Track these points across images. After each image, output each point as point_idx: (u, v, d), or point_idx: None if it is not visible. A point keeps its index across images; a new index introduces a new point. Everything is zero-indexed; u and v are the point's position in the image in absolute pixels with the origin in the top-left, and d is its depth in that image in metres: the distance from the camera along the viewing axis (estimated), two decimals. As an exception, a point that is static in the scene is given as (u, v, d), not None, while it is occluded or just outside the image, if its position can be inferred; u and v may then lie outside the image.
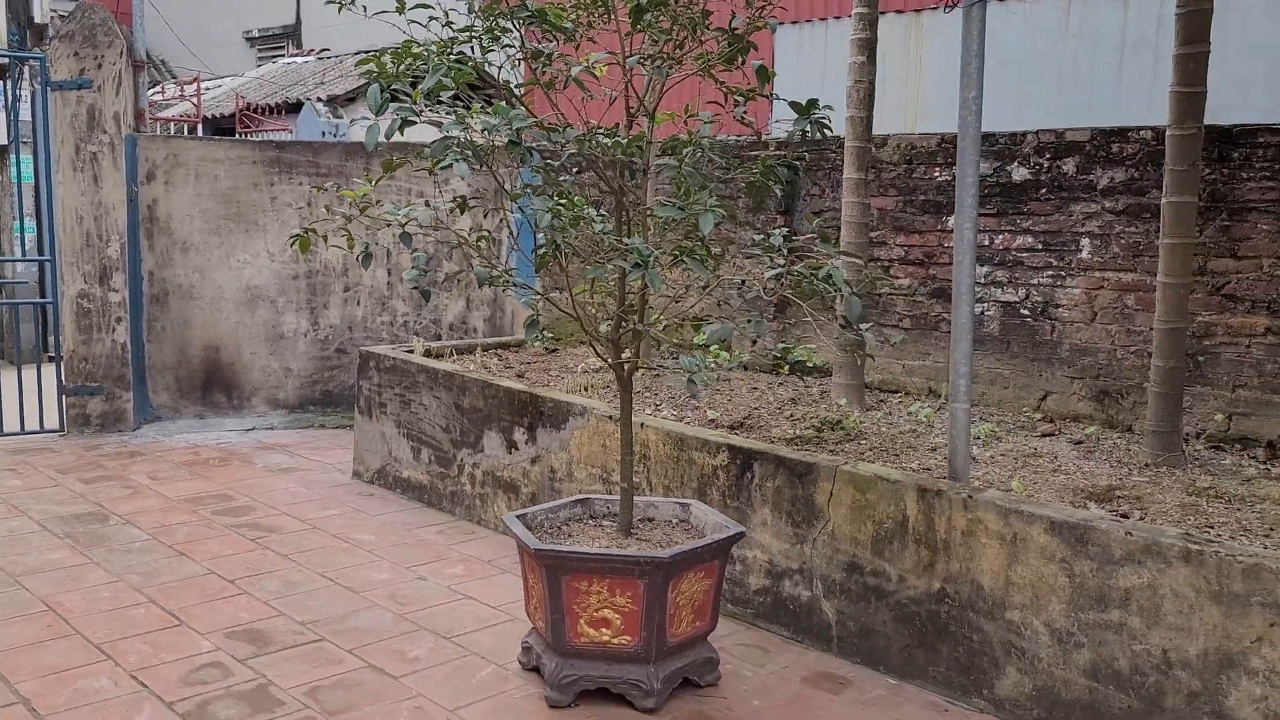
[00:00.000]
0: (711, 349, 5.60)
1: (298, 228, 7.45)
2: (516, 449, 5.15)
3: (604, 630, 3.40)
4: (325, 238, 3.57)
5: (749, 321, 3.38)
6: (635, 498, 3.84)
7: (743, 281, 3.59)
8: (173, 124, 17.20)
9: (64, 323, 7.04)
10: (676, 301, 3.78)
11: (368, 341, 7.74)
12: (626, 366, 3.57)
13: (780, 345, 4.13)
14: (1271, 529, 3.33)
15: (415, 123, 2.88)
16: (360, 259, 3.37)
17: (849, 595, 3.82)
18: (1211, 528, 3.35)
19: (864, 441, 4.35)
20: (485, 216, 3.58)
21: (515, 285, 3.28)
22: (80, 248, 6.99)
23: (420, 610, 4.24)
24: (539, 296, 3.20)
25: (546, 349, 6.42)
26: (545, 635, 3.51)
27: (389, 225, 3.41)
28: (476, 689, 3.57)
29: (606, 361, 3.53)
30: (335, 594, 4.39)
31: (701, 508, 3.84)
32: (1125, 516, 3.52)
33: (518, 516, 3.70)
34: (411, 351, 6.09)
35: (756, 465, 4.10)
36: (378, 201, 3.49)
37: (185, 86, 18.55)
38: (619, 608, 3.37)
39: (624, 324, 3.51)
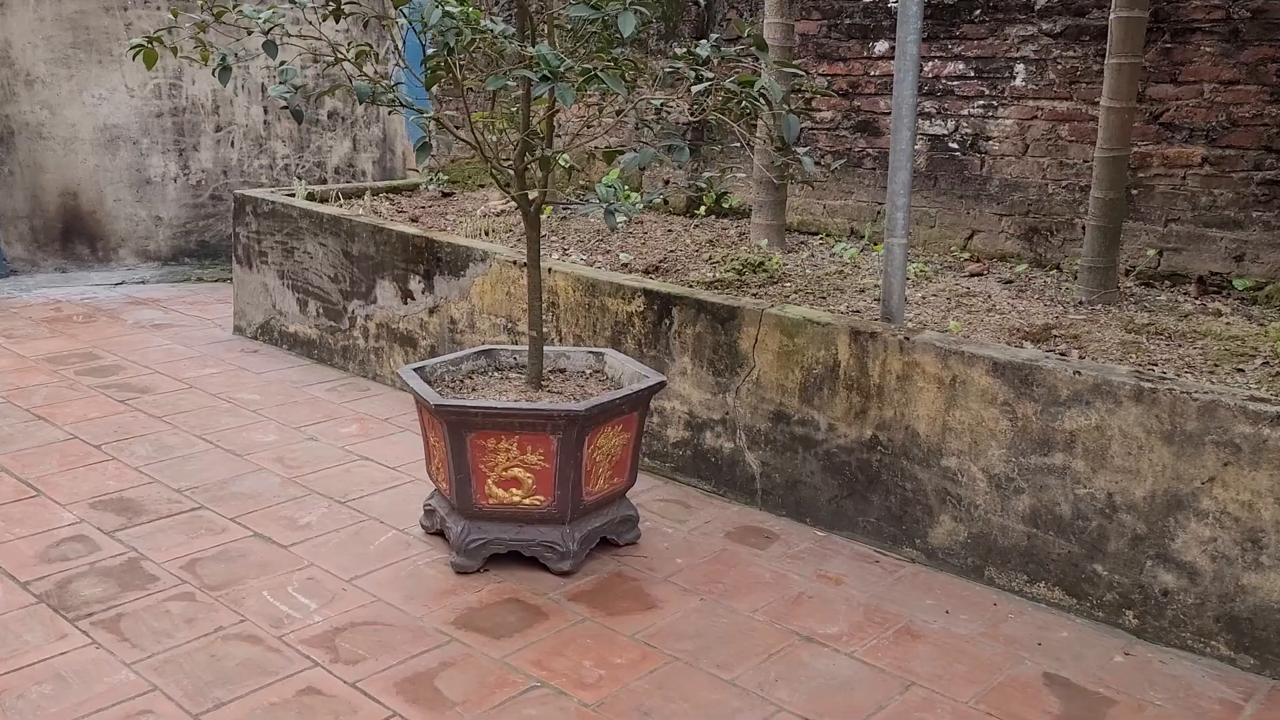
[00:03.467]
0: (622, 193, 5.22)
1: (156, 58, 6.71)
2: (412, 299, 4.74)
3: (514, 490, 3.11)
4: (175, 50, 3.04)
5: (669, 149, 3.00)
6: (545, 348, 3.51)
7: (661, 104, 3.19)
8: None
9: (-107, 166, 6.26)
10: (589, 127, 3.37)
11: (245, 187, 7.11)
12: (533, 201, 3.18)
13: (706, 177, 3.78)
14: (1216, 365, 3.17)
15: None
16: (217, 73, 2.87)
17: (775, 446, 3.60)
18: (1155, 365, 3.17)
19: (788, 284, 4.06)
20: (365, 27, 3.09)
21: (402, 104, 2.83)
22: (-96, 80, 6.16)
23: (311, 473, 3.89)
24: (429, 117, 2.76)
25: (442, 192, 5.95)
26: (450, 497, 3.20)
27: (250, 35, 2.91)
28: (375, 556, 3.27)
29: (510, 194, 3.13)
30: (215, 458, 4.01)
31: (617, 356, 3.53)
32: (1064, 355, 3.33)
33: (415, 370, 3.34)
34: (293, 195, 5.56)
35: (675, 311, 3.79)
36: (236, 6, 2.97)
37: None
38: (530, 466, 3.08)
39: (529, 151, 3.10)
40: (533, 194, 3.14)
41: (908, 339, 3.25)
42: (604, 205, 2.74)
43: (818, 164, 3.04)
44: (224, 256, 7.03)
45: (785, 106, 2.73)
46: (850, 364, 3.38)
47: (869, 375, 3.34)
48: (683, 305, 3.77)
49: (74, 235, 6.87)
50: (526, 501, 3.12)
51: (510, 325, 4.33)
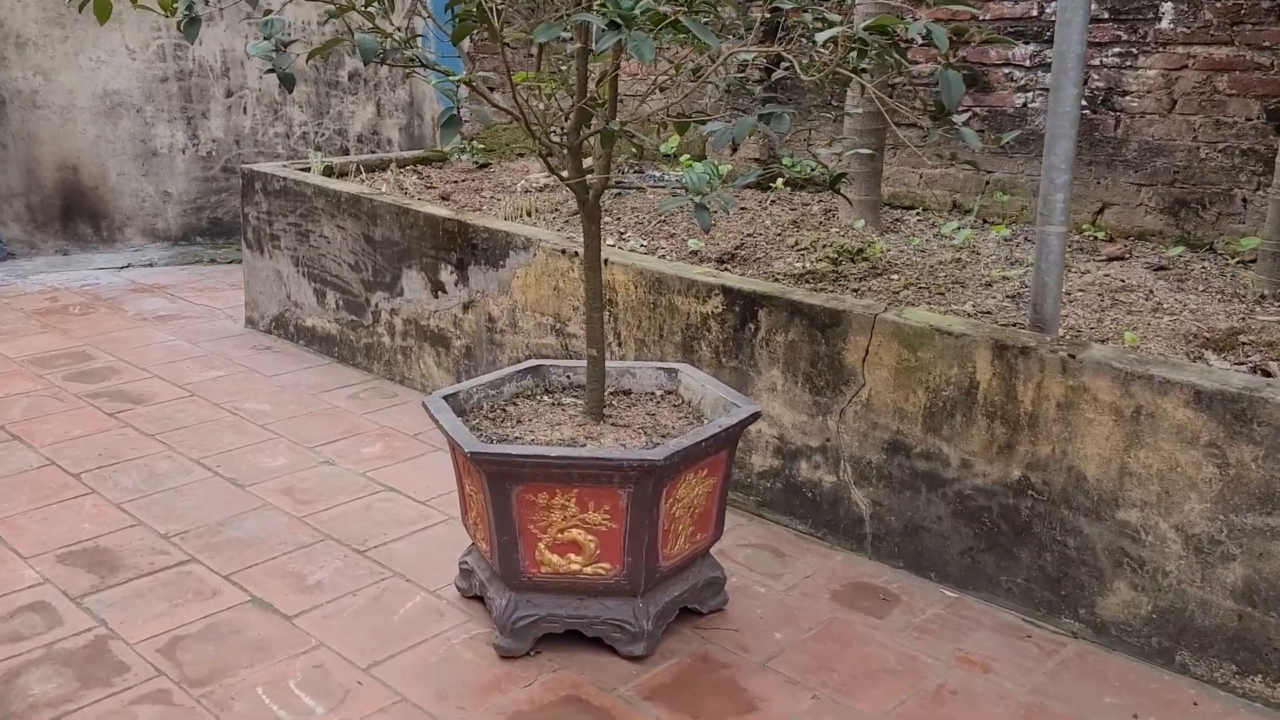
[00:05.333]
0: (684, 161, 4.51)
1: (159, 15, 6.05)
2: (444, 292, 4.07)
3: (573, 556, 2.44)
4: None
5: (767, 117, 2.30)
6: (606, 363, 2.83)
7: (754, 58, 2.48)
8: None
9: None
10: (661, 90, 2.68)
11: (260, 158, 6.47)
12: (592, 186, 2.48)
13: (830, 152, 3.08)
14: None
15: None
16: (182, 26, 2.19)
17: (890, 483, 2.91)
18: (1397, 390, 2.44)
19: (895, 276, 3.35)
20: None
21: (423, 64, 2.14)
22: (-122, 44, 5.55)
23: (325, 510, 3.25)
24: (457, 80, 2.07)
25: (477, 164, 5.26)
26: (491, 562, 2.55)
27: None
28: (399, 632, 2.62)
29: (563, 180, 2.44)
30: (213, 489, 3.38)
31: (694, 374, 2.84)
32: (1266, 374, 2.61)
33: (445, 397, 2.68)
34: (308, 169, 4.89)
35: (762, 313, 3.09)
36: (208, -61, 2.28)
37: None
38: (593, 526, 2.41)
39: (587, 122, 2.40)
40: (591, 177, 2.44)
41: (1072, 357, 2.54)
42: (691, 195, 2.04)
43: (995, 140, 2.31)
44: (238, 235, 6.39)
45: (946, 60, 2.02)
46: (993, 386, 2.67)
47: (1018, 401, 2.63)
48: (771, 307, 3.07)
49: (75, 213, 6.26)
50: (588, 570, 2.45)
51: (559, 326, 3.66)
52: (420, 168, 5.19)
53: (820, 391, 3.01)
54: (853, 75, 2.04)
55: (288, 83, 2.20)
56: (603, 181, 2.42)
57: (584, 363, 2.82)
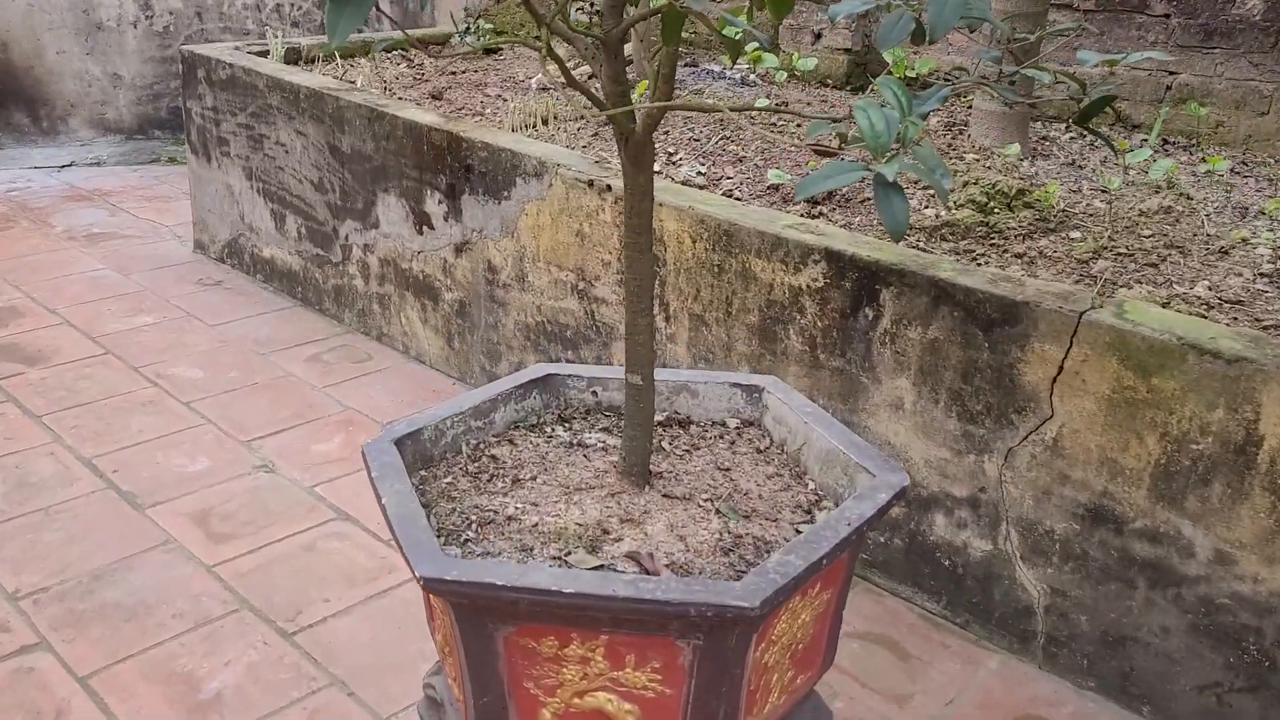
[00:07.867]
0: (752, 51, 3.39)
1: None
2: (430, 227, 3.04)
3: (598, 734, 1.48)
4: None
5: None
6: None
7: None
8: None
9: None
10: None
11: (227, 35, 5.37)
12: (639, 115, 1.42)
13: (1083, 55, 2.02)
14: None
15: None
16: None
17: (1083, 566, 1.91)
18: None
19: (1075, 234, 2.29)
20: None
21: None
22: None
23: (249, 554, 2.30)
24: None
25: (485, 49, 4.15)
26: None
27: None
28: (327, 806, 1.69)
29: (592, 98, 1.39)
30: (100, 512, 2.43)
31: (788, 397, 1.82)
32: None
33: (401, 439, 1.68)
34: (265, 53, 3.81)
35: (887, 295, 2.05)
36: None
37: None
38: (632, 690, 1.44)
39: (633, -6, 1.34)
40: (640, 99, 1.39)
41: None
42: (870, 160, 1.00)
43: None
44: (203, 129, 5.34)
45: None
46: (1286, 446, 1.65)
47: (1333, 476, 1.61)
48: (903, 286, 2.03)
49: (8, 100, 5.20)
50: (623, 753, 1.49)
51: (582, 286, 2.63)
52: (412, 53, 4.09)
53: (975, 419, 1.99)
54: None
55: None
56: (659, 107, 1.36)
57: (616, 368, 1.83)
